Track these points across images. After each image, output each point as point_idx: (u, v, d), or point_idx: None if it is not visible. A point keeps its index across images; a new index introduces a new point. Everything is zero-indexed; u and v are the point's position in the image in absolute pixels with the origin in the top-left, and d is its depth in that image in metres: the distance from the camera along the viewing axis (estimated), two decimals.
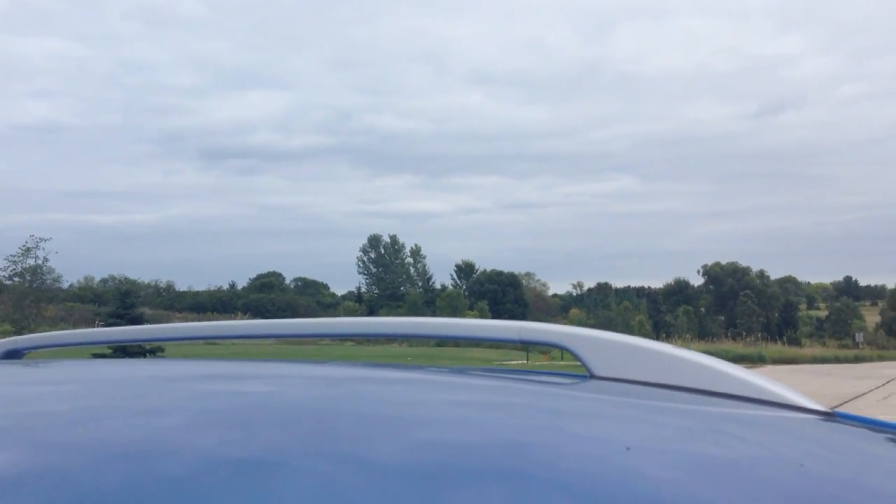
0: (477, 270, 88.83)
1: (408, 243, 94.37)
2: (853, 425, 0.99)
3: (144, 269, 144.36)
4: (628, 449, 0.68)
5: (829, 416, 0.98)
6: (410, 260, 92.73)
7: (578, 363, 1.16)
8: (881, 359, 50.88)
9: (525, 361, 29.51)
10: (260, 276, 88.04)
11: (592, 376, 1.12)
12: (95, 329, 1.65)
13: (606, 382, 1.09)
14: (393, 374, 1.16)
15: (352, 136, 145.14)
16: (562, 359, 26.29)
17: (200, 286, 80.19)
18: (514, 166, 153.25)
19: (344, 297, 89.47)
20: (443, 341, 42.08)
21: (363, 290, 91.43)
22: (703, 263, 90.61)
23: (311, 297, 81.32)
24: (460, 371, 1.32)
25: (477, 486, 0.57)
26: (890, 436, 0.97)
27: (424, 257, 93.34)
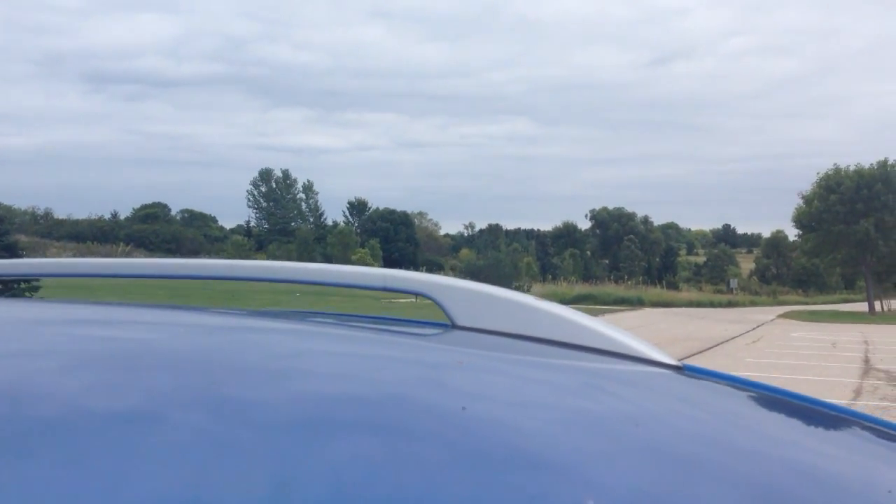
0: (370, 208, 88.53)
1: (300, 178, 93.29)
2: (700, 378, 1.02)
3: (21, 195, 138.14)
4: (463, 409, 0.68)
5: (678, 369, 1.02)
6: (302, 195, 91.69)
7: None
8: (753, 304, 53.53)
9: (415, 299, 29.76)
10: (144, 207, 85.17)
11: (454, 326, 1.13)
12: None
13: (466, 332, 1.11)
14: (258, 323, 1.16)
15: (245, 66, 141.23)
16: None
17: (81, 214, 77.11)
18: (410, 104, 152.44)
19: (233, 231, 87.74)
20: None
21: (253, 224, 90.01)
22: (590, 208, 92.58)
23: (197, 229, 79.35)
24: (327, 320, 1.32)
25: (340, 437, 0.58)
26: (732, 388, 1.03)
27: (317, 193, 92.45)
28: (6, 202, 72.98)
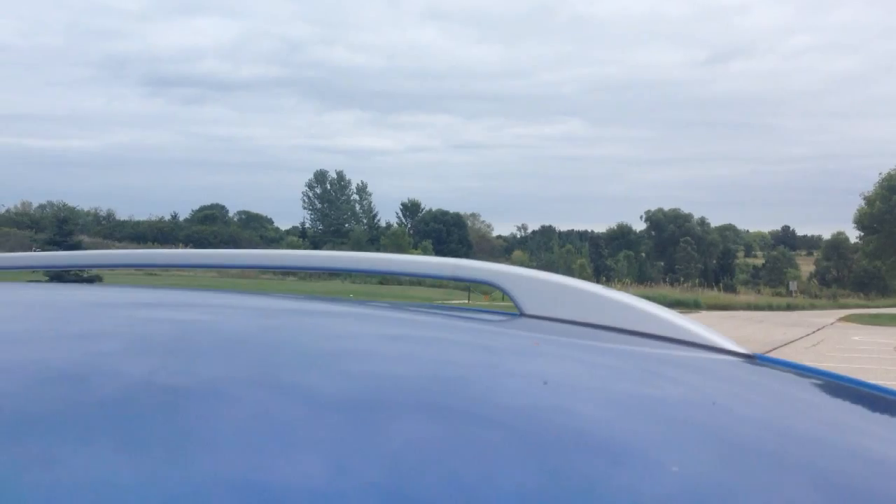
0: (422, 209, 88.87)
1: (354, 180, 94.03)
2: (772, 367, 1.02)
3: (84, 196, 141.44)
4: (545, 383, 0.69)
5: (750, 358, 1.01)
6: (356, 197, 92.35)
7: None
8: (812, 308, 52.44)
9: (467, 301, 29.76)
10: (203, 208, 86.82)
11: (522, 314, 1.14)
12: (22, 254, 1.59)
13: (535, 320, 1.11)
14: (330, 308, 1.17)
15: (301, 69, 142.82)
16: (502, 300, 26.49)
17: (142, 216, 78.92)
18: (463, 106, 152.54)
19: (288, 232, 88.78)
20: (385, 280, 42.56)
21: (307, 225, 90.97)
22: (645, 209, 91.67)
23: (254, 230, 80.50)
24: (394, 306, 1.32)
25: (405, 419, 0.59)
26: (806, 378, 1.02)
27: (370, 194, 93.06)
28: (70, 203, 75.07)
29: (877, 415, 0.93)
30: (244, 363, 0.70)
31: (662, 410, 0.71)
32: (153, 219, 77.91)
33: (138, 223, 74.63)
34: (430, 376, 0.72)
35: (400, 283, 43.04)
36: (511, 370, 0.79)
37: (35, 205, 77.23)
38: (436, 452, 0.53)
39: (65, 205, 73.12)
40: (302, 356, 0.75)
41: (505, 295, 1.18)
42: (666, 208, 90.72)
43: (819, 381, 1.01)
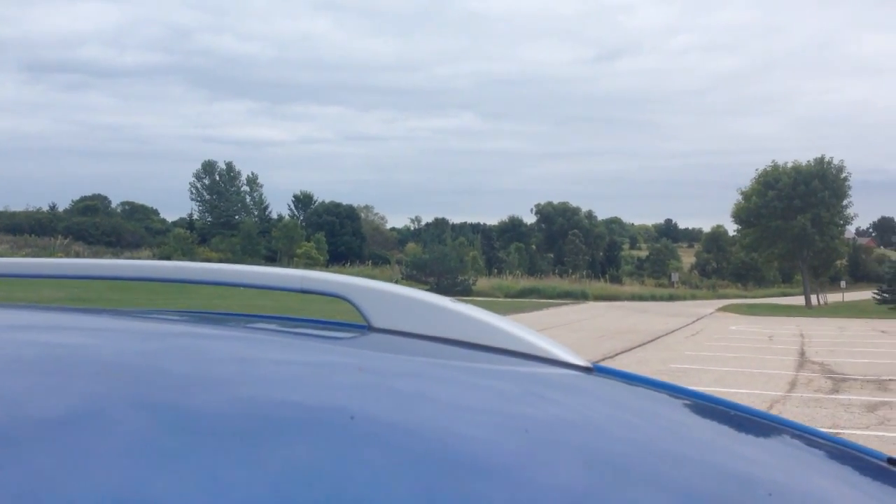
0: (315, 201, 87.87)
1: (245, 171, 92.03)
2: (610, 378, 1.06)
3: None
4: (352, 418, 0.67)
5: (588, 370, 1.05)
6: (247, 188, 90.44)
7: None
8: (693, 298, 54.52)
9: None
10: (84, 199, 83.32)
11: (370, 328, 1.15)
12: None
13: (382, 335, 1.13)
14: (183, 328, 1.17)
15: (189, 57, 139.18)
16: None
17: (18, 206, 75.09)
18: (357, 98, 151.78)
19: (175, 224, 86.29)
20: None
21: (196, 217, 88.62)
22: (536, 202, 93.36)
23: (138, 222, 77.95)
24: (242, 322, 1.33)
25: (238, 444, 0.58)
26: (641, 388, 1.07)
27: (261, 186, 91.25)
28: None
29: (708, 424, 0.99)
30: (105, 388, 0.69)
31: (503, 425, 0.73)
32: (30, 209, 74.43)
33: (14, 214, 71.11)
34: (271, 397, 0.72)
35: None
36: (351, 389, 0.79)
37: None
38: (277, 478, 0.53)
39: None
40: (143, 379, 0.74)
41: (354, 308, 1.20)
42: (555, 202, 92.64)
43: (654, 392, 1.06)
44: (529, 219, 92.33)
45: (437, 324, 1.12)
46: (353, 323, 1.26)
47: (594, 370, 1.06)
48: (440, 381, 0.89)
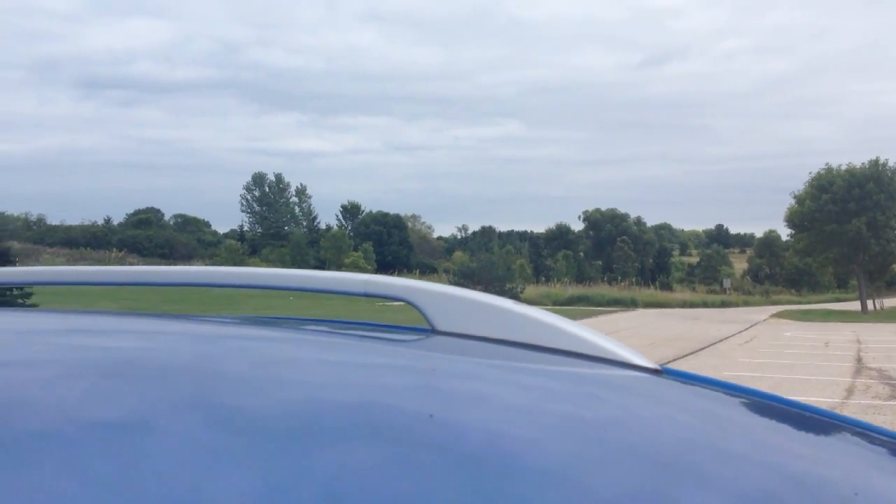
0: (363, 211, 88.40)
1: (293, 182, 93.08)
2: (679, 381, 1.04)
3: (14, 201, 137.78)
4: (431, 416, 0.68)
5: (658, 372, 1.03)
6: (296, 199, 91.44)
7: None
8: (746, 304, 53.62)
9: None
10: (137, 212, 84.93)
11: (434, 331, 1.14)
12: None
13: (446, 337, 1.12)
14: (240, 331, 1.17)
15: (239, 71, 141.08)
16: None
17: (74, 220, 76.88)
18: (403, 108, 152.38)
19: (226, 235, 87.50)
20: None
21: (246, 228, 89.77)
22: (583, 209, 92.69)
23: (191, 234, 79.20)
24: (308, 327, 1.33)
25: (309, 445, 0.58)
26: (712, 391, 1.04)
27: (310, 197, 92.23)
28: None
29: (780, 427, 0.95)
30: (163, 391, 0.70)
31: (571, 428, 0.72)
32: (86, 223, 76.12)
33: (70, 228, 72.81)
34: (339, 400, 0.72)
35: None
36: (419, 391, 0.78)
37: None
38: (347, 478, 0.53)
39: None
40: (218, 382, 0.75)
41: (418, 311, 1.18)
42: (603, 208, 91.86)
43: (726, 394, 1.03)
44: (577, 226, 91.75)
45: (501, 326, 1.10)
46: (415, 327, 1.24)
47: (663, 372, 1.04)
48: (506, 384, 0.87)
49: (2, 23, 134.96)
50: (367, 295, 1.23)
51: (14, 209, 77.78)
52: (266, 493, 0.50)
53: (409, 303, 1.19)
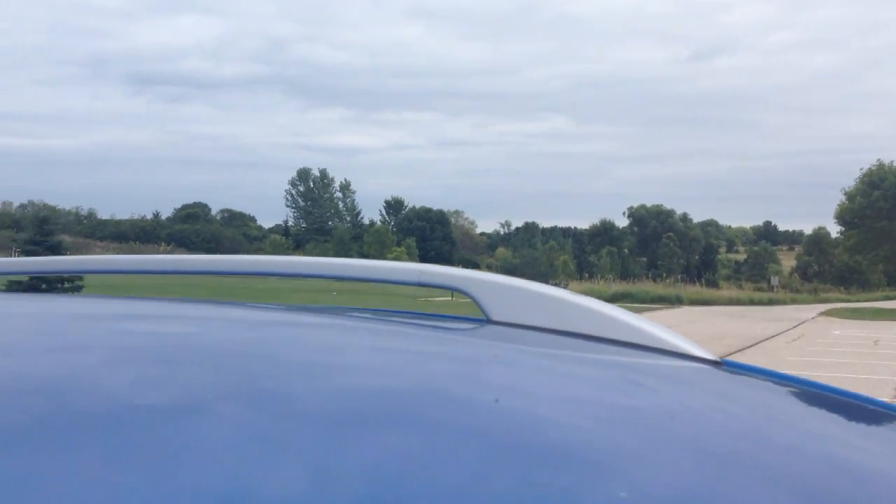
0: (406, 207, 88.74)
1: (338, 178, 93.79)
2: (739, 373, 1.02)
3: (66, 195, 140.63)
4: (497, 401, 0.68)
5: (717, 364, 1.01)
6: (339, 194, 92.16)
7: None
8: (794, 302, 52.68)
9: (451, 298, 29.76)
10: (185, 207, 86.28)
11: (489, 321, 1.13)
12: (2, 259, 1.58)
13: (502, 327, 1.11)
14: (296, 318, 1.16)
15: (285, 67, 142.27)
16: None
17: (123, 215, 78.49)
18: (447, 103, 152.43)
19: (271, 230, 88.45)
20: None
21: (290, 223, 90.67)
22: (628, 205, 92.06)
23: (236, 229, 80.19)
24: (358, 316, 1.32)
25: (368, 432, 0.58)
26: (773, 383, 1.02)
27: (354, 192, 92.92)
28: (51, 203, 74.51)
29: (844, 421, 0.93)
30: (221, 376, 0.70)
31: (629, 418, 0.71)
32: (135, 217, 77.45)
33: (119, 222, 74.19)
34: (397, 387, 0.72)
35: None
36: (476, 380, 0.78)
37: (16, 204, 76.64)
38: (406, 465, 0.53)
39: (45, 204, 72.55)
40: (275, 367, 0.75)
41: (472, 301, 1.17)
42: (648, 204, 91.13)
43: (786, 387, 1.01)
44: (622, 222, 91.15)
45: (557, 316, 1.09)
46: (469, 317, 1.23)
47: (723, 364, 1.02)
48: (563, 375, 0.87)
49: (57, 20, 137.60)
50: (421, 284, 1.22)
51: (66, 203, 79.76)
52: (323, 479, 0.50)
53: (463, 292, 1.18)
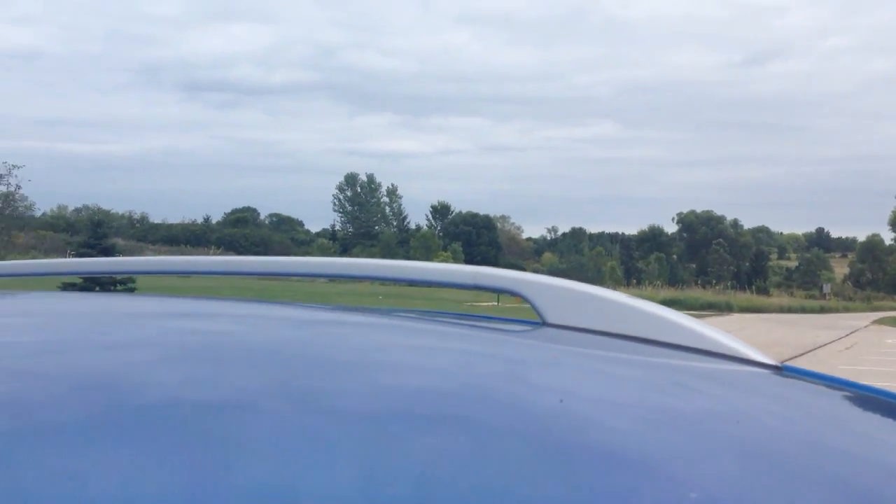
0: (452, 212, 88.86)
1: (385, 183, 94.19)
2: (800, 379, 1.00)
3: (119, 199, 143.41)
4: (561, 401, 0.67)
5: (777, 369, 0.99)
6: (386, 199, 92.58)
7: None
8: (846, 310, 51.66)
9: (496, 303, 29.64)
10: (235, 211, 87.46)
11: (545, 323, 1.12)
12: (54, 260, 1.63)
13: (558, 330, 1.09)
14: (348, 318, 1.16)
15: (334, 73, 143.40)
16: None
17: (175, 219, 79.71)
18: (495, 109, 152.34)
19: (318, 235, 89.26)
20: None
21: (338, 227, 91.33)
22: (677, 211, 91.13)
23: (284, 233, 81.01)
24: (415, 315, 1.32)
25: (426, 432, 0.58)
26: (833, 389, 1.00)
27: (401, 197, 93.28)
28: (105, 207, 76.00)
29: None
30: (272, 374, 0.70)
31: (689, 424, 0.70)
32: (186, 221, 78.72)
33: (171, 226, 75.41)
34: (452, 389, 0.72)
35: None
36: (534, 382, 0.78)
37: (71, 208, 78.37)
38: (460, 466, 0.52)
39: (99, 208, 73.99)
40: (325, 367, 0.76)
41: (527, 303, 1.16)
42: (698, 210, 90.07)
43: (848, 393, 0.98)
44: (670, 228, 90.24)
45: (614, 319, 1.07)
46: (524, 320, 1.22)
47: (783, 369, 0.99)
48: (621, 378, 0.85)
49: (113, 28, 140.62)
50: (475, 287, 1.21)
51: (119, 207, 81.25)
52: (371, 478, 0.50)
53: (518, 295, 1.17)
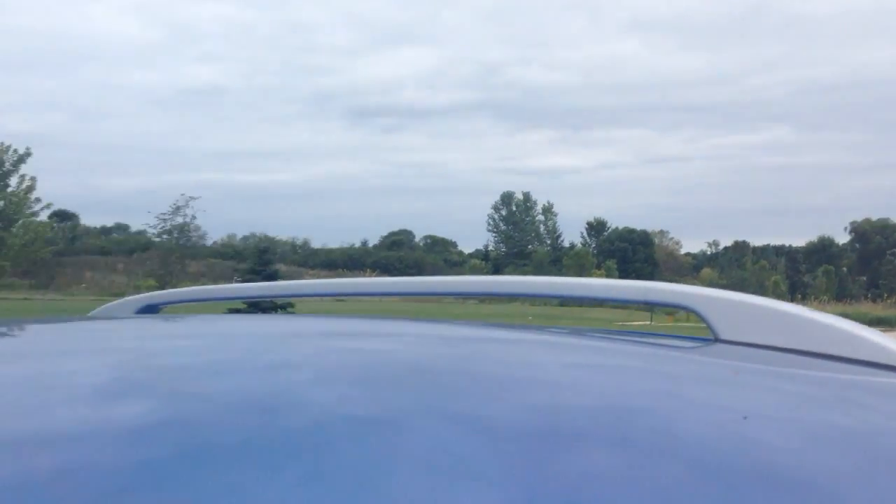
0: (609, 228, 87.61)
1: (541, 200, 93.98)
2: None
3: (284, 226, 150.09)
4: (745, 418, 0.65)
5: None
6: (541, 217, 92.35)
7: (703, 325, 1.12)
8: None
9: (649, 322, 28.96)
10: (391, 234, 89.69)
11: (718, 340, 1.07)
12: (220, 286, 1.76)
13: (732, 346, 1.05)
14: (509, 335, 1.15)
15: (496, 91, 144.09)
16: (687, 320, 25.56)
17: (334, 243, 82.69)
18: (659, 118, 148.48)
19: (471, 255, 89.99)
20: (566, 301, 40.19)
21: (490, 248, 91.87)
22: (851, 220, 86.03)
23: (438, 254, 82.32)
24: (578, 333, 1.30)
25: (590, 451, 0.57)
26: None
27: (556, 215, 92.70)
28: (271, 233, 79.93)
29: None
30: (424, 393, 0.70)
31: (874, 447, 0.65)
32: (344, 246, 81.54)
33: (331, 250, 78.27)
34: (625, 407, 0.69)
35: (580, 304, 42.61)
36: (711, 402, 0.74)
37: (239, 236, 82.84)
38: (623, 490, 0.51)
39: (265, 235, 77.84)
40: (483, 386, 0.74)
41: (700, 319, 1.13)
42: (874, 218, 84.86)
43: None
44: (842, 238, 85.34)
45: (795, 334, 1.02)
46: (697, 336, 1.19)
47: None
48: (807, 398, 0.79)
49: (287, 61, 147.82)
50: (647, 303, 1.20)
51: (283, 233, 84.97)
52: (529, 496, 0.48)
53: (691, 310, 1.13)
